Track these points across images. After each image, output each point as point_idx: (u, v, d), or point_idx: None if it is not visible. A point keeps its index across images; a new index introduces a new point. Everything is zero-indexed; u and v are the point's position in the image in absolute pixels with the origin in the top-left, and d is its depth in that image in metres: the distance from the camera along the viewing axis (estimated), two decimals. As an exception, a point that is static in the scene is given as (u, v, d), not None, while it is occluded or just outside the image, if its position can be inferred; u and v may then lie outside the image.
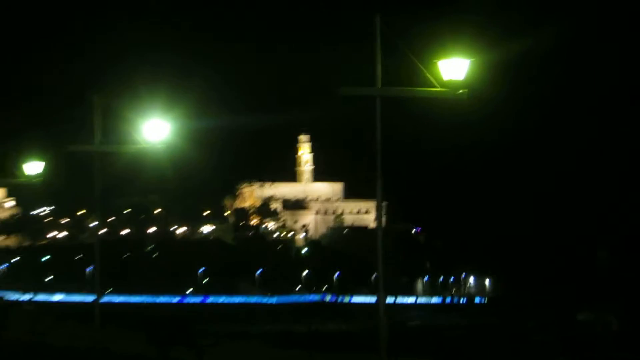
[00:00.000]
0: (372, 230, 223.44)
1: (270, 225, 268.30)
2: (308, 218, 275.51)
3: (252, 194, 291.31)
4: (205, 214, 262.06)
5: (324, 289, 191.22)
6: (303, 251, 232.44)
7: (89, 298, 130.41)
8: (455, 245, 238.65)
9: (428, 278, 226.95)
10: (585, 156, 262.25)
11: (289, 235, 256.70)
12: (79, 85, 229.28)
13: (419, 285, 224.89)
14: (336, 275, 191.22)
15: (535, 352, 61.02)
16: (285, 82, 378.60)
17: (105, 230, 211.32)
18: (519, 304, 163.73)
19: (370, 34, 24.58)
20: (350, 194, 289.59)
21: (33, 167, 33.87)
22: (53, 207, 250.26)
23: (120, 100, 31.53)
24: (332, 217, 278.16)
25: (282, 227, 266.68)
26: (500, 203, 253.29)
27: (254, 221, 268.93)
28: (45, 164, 34.13)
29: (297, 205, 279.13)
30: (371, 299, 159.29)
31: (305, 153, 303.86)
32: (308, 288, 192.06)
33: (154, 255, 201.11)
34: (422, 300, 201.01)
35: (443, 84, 24.23)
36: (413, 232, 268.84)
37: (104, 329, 33.50)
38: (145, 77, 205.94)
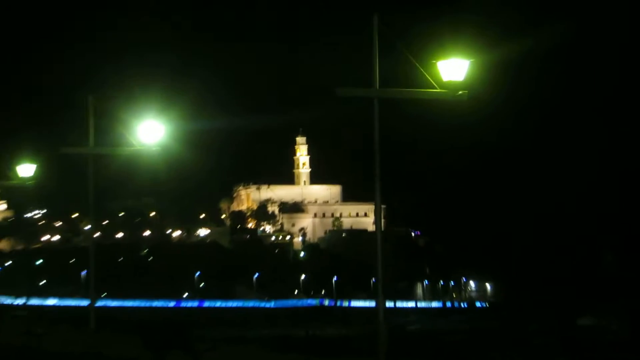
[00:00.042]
0: (371, 233, 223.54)
1: (268, 228, 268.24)
2: (306, 221, 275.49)
3: (249, 197, 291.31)
4: (201, 216, 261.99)
5: (322, 294, 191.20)
6: (301, 255, 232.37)
7: (83, 302, 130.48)
8: (455, 248, 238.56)
9: (428, 282, 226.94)
10: (587, 157, 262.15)
11: (287, 238, 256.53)
12: (73, 87, 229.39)
13: (419, 290, 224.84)
14: (334, 279, 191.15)
15: (537, 356, 61.08)
16: (283, 83, 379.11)
17: (99, 233, 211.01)
18: (520, 308, 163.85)
19: (368, 34, 24.58)
20: (349, 196, 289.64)
21: (26, 169, 33.87)
22: (46, 210, 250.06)
23: (114, 102, 31.53)
24: (330, 220, 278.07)
25: (280, 231, 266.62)
26: (501, 206, 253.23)
27: (251, 224, 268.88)
28: (38, 166, 34.14)
29: (294, 208, 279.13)
30: (370, 304, 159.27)
31: (302, 155, 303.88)
32: (306, 292, 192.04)
33: (149, 259, 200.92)
34: (422, 304, 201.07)
35: (442, 85, 24.19)
36: (412, 235, 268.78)
37: (98, 333, 33.50)
38: (140, 78, 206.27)
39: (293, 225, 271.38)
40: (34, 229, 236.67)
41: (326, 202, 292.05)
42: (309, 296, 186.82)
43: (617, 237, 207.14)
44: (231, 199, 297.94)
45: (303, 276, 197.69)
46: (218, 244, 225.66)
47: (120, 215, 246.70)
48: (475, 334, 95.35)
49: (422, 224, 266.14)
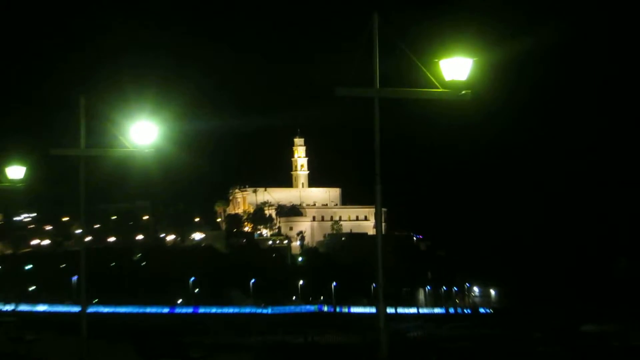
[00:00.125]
0: (371, 237, 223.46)
1: (265, 232, 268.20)
2: (304, 225, 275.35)
3: (245, 200, 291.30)
4: (195, 220, 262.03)
5: (321, 299, 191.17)
6: (299, 259, 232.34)
7: (74, 309, 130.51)
8: (458, 253, 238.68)
9: (430, 288, 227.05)
10: (598, 158, 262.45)
11: (284, 242, 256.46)
12: (65, 87, 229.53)
13: (421, 295, 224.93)
14: (334, 284, 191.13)
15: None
16: (280, 83, 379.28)
17: (90, 238, 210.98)
18: (524, 315, 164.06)
19: (368, 33, 24.57)
20: (348, 199, 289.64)
21: (15, 171, 33.88)
22: (36, 213, 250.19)
23: (107, 102, 31.57)
24: (329, 224, 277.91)
25: (277, 235, 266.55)
26: (506, 209, 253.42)
27: (247, 228, 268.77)
28: (28, 168, 34.15)
29: (292, 211, 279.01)
30: (371, 310, 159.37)
31: (300, 157, 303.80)
32: (304, 298, 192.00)
33: (142, 264, 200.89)
34: (424, 310, 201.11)
35: (445, 84, 24.20)
36: (414, 239, 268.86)
37: (89, 341, 33.48)
38: (133, 78, 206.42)
39: (291, 229, 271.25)
40: (24, 233, 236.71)
41: (325, 205, 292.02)
42: (307, 302, 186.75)
43: (632, 241, 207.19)
44: (227, 201, 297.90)
45: (301, 281, 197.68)
46: (213, 249, 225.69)
47: (112, 218, 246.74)
48: (479, 341, 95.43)
49: (424, 228, 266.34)
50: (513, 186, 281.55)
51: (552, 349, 77.11)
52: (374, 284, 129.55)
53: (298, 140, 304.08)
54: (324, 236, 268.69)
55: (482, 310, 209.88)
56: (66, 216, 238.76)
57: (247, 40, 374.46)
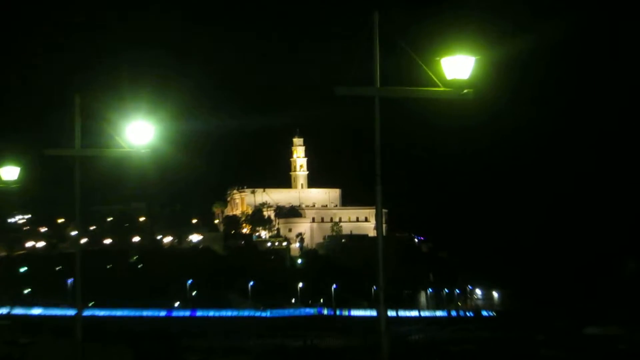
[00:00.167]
0: (372, 239, 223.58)
1: (263, 234, 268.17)
2: (303, 226, 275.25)
3: (243, 201, 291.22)
4: (193, 221, 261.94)
5: (320, 302, 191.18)
6: (298, 262, 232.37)
7: (70, 312, 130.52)
8: (461, 255, 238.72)
9: (432, 290, 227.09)
10: (604, 158, 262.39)
11: (283, 244, 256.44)
12: (60, 86, 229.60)
13: (422, 298, 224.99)
14: (334, 287, 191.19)
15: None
16: (279, 83, 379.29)
17: (86, 239, 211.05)
18: (527, 317, 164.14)
19: (369, 31, 24.56)
20: (349, 200, 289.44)
21: (9, 172, 33.85)
22: (30, 215, 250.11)
23: (102, 101, 31.54)
24: (329, 225, 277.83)
25: (276, 236, 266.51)
26: (510, 210, 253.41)
27: (246, 230, 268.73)
28: (22, 169, 34.13)
29: (291, 212, 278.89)
30: (371, 313, 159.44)
31: (299, 157, 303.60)
32: (304, 301, 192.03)
33: (138, 267, 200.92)
34: (425, 313, 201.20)
35: (447, 83, 24.17)
36: (416, 241, 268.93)
37: (85, 344, 33.48)
38: (130, 77, 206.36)
39: (290, 230, 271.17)
40: (18, 235, 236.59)
41: (325, 206, 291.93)
42: (306, 305, 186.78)
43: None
44: (225, 203, 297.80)
45: (300, 284, 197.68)
46: (211, 251, 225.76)
47: (108, 220, 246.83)
48: (481, 344, 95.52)
49: (426, 229, 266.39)
50: (516, 186, 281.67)
51: (555, 351, 77.20)
52: (374, 287, 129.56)
53: (297, 140, 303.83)
54: (324, 238, 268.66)
55: (485, 313, 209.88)
56: (61, 218, 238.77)
57: (247, 40, 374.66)
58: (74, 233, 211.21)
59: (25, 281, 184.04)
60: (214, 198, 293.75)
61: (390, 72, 24.92)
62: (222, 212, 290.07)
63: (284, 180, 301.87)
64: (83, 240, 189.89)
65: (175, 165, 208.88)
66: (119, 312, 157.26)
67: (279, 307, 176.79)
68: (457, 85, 24.14)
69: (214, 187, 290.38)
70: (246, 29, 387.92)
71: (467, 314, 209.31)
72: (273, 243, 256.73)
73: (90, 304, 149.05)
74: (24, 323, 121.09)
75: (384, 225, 25.67)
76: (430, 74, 24.19)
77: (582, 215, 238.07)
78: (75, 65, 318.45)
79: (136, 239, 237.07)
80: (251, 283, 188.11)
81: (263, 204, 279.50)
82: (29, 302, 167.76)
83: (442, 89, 24.30)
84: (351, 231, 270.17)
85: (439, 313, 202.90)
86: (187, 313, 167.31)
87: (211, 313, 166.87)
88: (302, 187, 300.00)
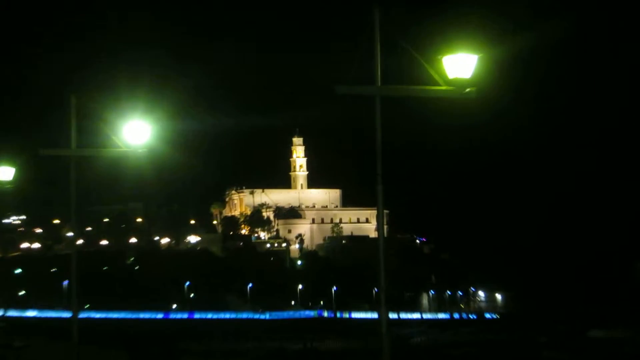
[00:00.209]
0: (373, 240, 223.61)
1: (262, 235, 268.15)
2: (303, 227, 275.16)
3: (242, 201, 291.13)
4: (191, 222, 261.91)
5: (320, 304, 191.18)
6: (298, 263, 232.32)
7: (65, 314, 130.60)
8: (463, 256, 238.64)
9: (434, 292, 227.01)
10: (610, 158, 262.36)
11: (283, 245, 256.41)
12: (56, 86, 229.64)
13: (424, 300, 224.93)
14: (334, 289, 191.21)
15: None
16: (278, 82, 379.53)
17: (82, 241, 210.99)
18: (530, 320, 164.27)
19: (369, 29, 24.58)
20: (349, 201, 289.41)
21: (4, 172, 33.87)
22: (25, 216, 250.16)
23: (99, 101, 31.56)
24: (329, 226, 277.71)
25: (275, 237, 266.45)
26: (514, 211, 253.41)
27: (244, 231, 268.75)
28: (17, 169, 34.15)
29: (291, 213, 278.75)
30: (372, 315, 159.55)
31: (299, 157, 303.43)
32: (303, 303, 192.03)
33: (135, 268, 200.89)
34: (427, 315, 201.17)
35: (448, 82, 24.17)
36: (417, 242, 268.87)
37: (81, 347, 33.51)
38: (127, 76, 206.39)
39: (289, 231, 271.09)
40: (12, 236, 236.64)
41: (325, 207, 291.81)
42: (306, 307, 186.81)
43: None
44: (223, 203, 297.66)
45: (300, 286, 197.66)
46: (209, 252, 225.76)
47: (104, 221, 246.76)
48: (483, 346, 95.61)
49: (428, 230, 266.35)
50: (519, 187, 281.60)
51: (558, 354, 77.28)
52: (375, 289, 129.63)
53: (297, 140, 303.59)
54: (324, 239, 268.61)
55: (487, 315, 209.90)
56: (57, 218, 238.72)
57: (247, 39, 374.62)
58: (69, 234, 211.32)
59: (20, 283, 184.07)
60: (212, 199, 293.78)
61: (391, 70, 24.92)
62: (221, 213, 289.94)
63: (284, 181, 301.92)
64: (79, 242, 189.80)
65: (172, 166, 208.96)
66: (115, 314, 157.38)
67: (279, 309, 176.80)
68: (459, 84, 24.13)
69: (212, 188, 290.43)
70: (246, 29, 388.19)
71: (470, 316, 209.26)
72: (272, 244, 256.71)
73: (86, 306, 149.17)
74: (19, 325, 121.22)
75: (385, 226, 25.66)
76: (432, 72, 24.19)
77: (585, 215, 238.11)
78: (74, 65, 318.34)
79: (133, 240, 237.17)
80: (250, 285, 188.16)
81: (262, 205, 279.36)
82: (24, 304, 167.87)
83: (443, 87, 24.29)
84: (352, 232, 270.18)
85: (441, 315, 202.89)
86: (185, 315, 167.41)
87: (209, 315, 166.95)
88: (301, 187, 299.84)
